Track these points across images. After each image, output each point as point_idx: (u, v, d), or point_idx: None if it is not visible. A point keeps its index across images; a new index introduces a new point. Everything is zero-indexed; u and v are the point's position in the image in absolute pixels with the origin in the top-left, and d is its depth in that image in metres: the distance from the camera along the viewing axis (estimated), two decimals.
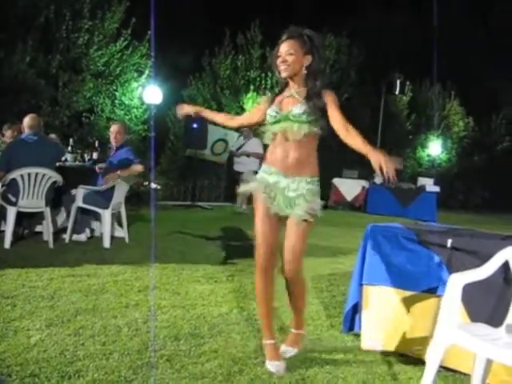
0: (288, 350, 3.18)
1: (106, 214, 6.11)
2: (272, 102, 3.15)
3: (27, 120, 5.98)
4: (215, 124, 14.42)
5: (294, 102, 3.06)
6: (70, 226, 6.18)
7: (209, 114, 3.52)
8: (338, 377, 2.93)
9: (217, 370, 2.87)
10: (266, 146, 3.23)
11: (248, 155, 11.15)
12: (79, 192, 6.09)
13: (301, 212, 2.98)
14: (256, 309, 4.00)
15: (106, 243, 6.08)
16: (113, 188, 6.14)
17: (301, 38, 3.03)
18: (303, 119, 3.00)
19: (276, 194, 3.05)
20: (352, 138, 2.93)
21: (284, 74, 3.06)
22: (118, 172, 6.12)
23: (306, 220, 2.99)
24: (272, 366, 2.95)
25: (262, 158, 7.63)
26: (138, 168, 6.29)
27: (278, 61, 3.06)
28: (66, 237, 6.16)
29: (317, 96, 3.03)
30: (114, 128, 6.53)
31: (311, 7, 20.72)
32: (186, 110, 3.49)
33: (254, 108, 3.32)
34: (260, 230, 3.06)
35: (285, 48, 3.03)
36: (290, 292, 3.16)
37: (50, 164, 5.93)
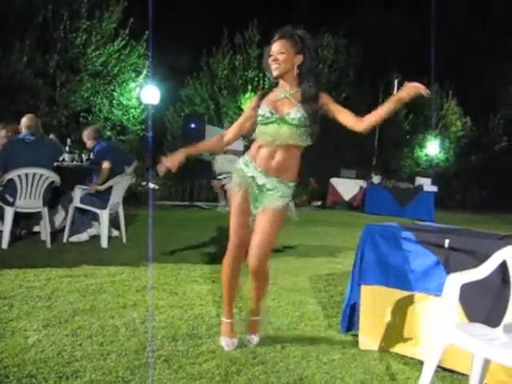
0: (252, 338, 3.31)
1: (104, 215, 6.11)
2: (261, 99, 3.15)
3: (25, 120, 5.98)
4: (213, 125, 14.41)
5: (290, 105, 3.06)
6: (67, 226, 6.17)
7: (196, 149, 3.38)
8: (336, 377, 2.92)
9: (214, 370, 2.87)
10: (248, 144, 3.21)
11: (225, 152, 10.10)
12: (77, 192, 6.09)
13: (271, 204, 3.05)
14: None
15: (104, 243, 6.08)
16: (110, 188, 6.13)
17: (292, 37, 3.04)
18: (299, 124, 3.01)
19: (252, 188, 3.11)
20: (364, 121, 3.00)
21: (275, 73, 3.07)
22: (94, 180, 6.25)
23: (275, 215, 3.05)
24: (225, 341, 3.21)
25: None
26: (104, 167, 6.23)
27: (270, 60, 3.08)
28: (64, 237, 6.15)
29: (313, 99, 3.04)
30: (84, 134, 6.68)
31: (309, 7, 20.73)
32: (173, 162, 3.19)
33: (242, 118, 3.27)
34: (233, 221, 3.19)
35: (276, 47, 3.05)
36: (252, 283, 3.26)
37: (48, 164, 5.92)
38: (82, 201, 6.09)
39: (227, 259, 3.25)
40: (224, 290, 3.31)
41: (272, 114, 3.05)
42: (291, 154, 3.08)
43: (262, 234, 3.06)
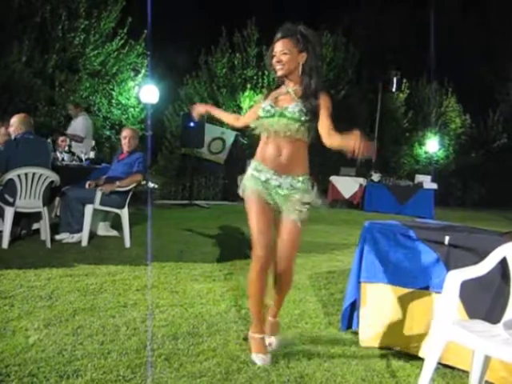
0: (271, 342, 3.23)
1: (124, 214, 6.24)
2: (267, 96, 3.18)
3: (22, 119, 5.95)
4: (213, 123, 14.39)
5: (289, 100, 3.08)
6: (85, 228, 6.06)
7: (219, 113, 3.60)
8: (337, 374, 2.93)
9: (215, 368, 2.87)
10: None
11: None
12: (97, 194, 6.06)
13: (295, 210, 3.03)
14: None
15: (127, 243, 6.21)
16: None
17: (294, 36, 3.03)
18: (297, 117, 3.01)
19: (268, 190, 3.08)
20: (331, 138, 2.95)
21: (280, 73, 3.09)
22: (117, 183, 6.14)
23: (299, 217, 3.04)
24: (261, 359, 2.99)
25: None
26: (136, 178, 6.32)
27: (274, 60, 3.08)
28: (84, 240, 6.06)
29: (313, 95, 3.05)
30: (127, 133, 6.49)
31: (308, 4, 20.73)
32: (199, 109, 3.54)
33: (254, 107, 3.31)
34: (256, 227, 3.05)
35: (279, 48, 3.05)
36: (278, 287, 3.21)
37: (48, 162, 5.94)
38: (102, 202, 6.10)
39: (253, 271, 3.04)
40: (252, 306, 3.16)
41: (272, 107, 3.08)
42: (297, 147, 3.08)
43: (289, 237, 3.05)
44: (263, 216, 3.06)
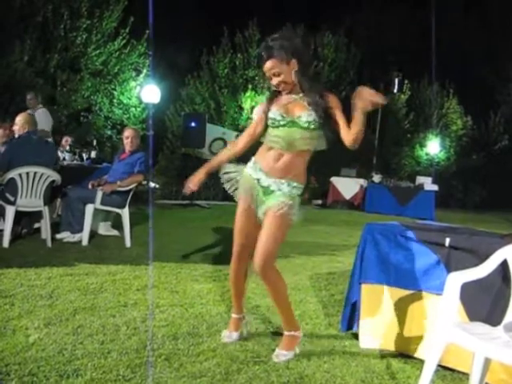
0: (279, 354, 3.09)
1: (125, 214, 6.25)
2: (270, 103, 3.13)
3: (27, 118, 5.96)
4: (214, 123, 14.42)
5: (301, 108, 3.04)
6: (86, 227, 6.07)
7: (214, 165, 3.32)
8: (337, 376, 2.93)
9: (215, 368, 2.87)
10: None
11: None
12: (98, 194, 6.07)
13: (274, 204, 3.02)
14: (255, 307, 4.05)
15: (128, 243, 6.21)
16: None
17: (277, 52, 2.96)
18: (310, 127, 3.01)
19: (257, 190, 3.10)
20: (349, 134, 2.98)
21: (285, 91, 3.08)
22: (118, 183, 6.15)
23: (279, 216, 3.00)
24: (223, 333, 3.34)
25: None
26: (138, 178, 6.34)
27: (272, 82, 3.07)
28: (84, 240, 6.06)
29: (320, 98, 3.03)
30: (129, 133, 6.48)
31: (309, 5, 20.74)
32: (194, 182, 3.25)
33: (252, 127, 3.24)
34: (238, 221, 3.18)
35: (270, 71, 3.02)
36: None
37: (52, 163, 5.94)
38: (103, 202, 6.10)
39: (233, 260, 3.27)
40: (231, 290, 3.38)
41: (283, 117, 3.03)
42: (299, 157, 3.07)
43: (267, 234, 3.02)
44: (247, 212, 3.14)
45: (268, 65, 3.01)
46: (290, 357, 3.09)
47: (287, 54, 2.97)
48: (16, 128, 5.97)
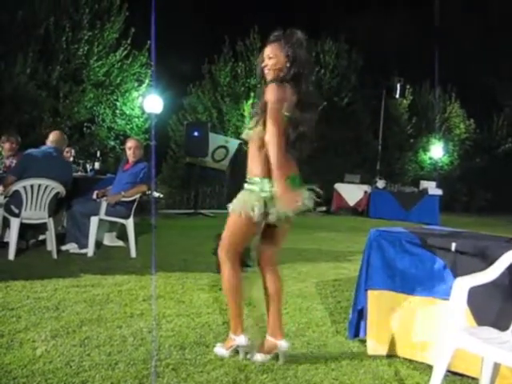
0: (252, 355, 3.15)
1: (130, 224, 6.26)
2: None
3: (53, 135, 6.15)
4: (216, 132, 14.47)
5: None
6: (91, 239, 6.06)
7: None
8: (345, 383, 2.91)
9: (223, 378, 2.86)
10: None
11: None
12: (102, 205, 6.08)
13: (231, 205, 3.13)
14: (261, 316, 4.02)
15: (133, 253, 6.21)
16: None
17: (279, 40, 3.02)
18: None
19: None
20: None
21: (268, 78, 3.06)
22: (122, 193, 6.16)
23: (231, 213, 3.12)
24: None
25: None
26: (142, 188, 6.36)
27: (262, 65, 3.09)
28: (90, 251, 6.05)
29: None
30: (132, 143, 6.51)
31: (310, 12, 20.79)
32: None
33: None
34: (242, 243, 3.26)
35: (266, 52, 3.08)
36: None
37: (64, 182, 5.89)
38: (107, 212, 6.11)
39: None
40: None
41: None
42: (253, 148, 3.10)
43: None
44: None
45: (268, 48, 3.07)
46: (223, 354, 3.14)
47: (287, 48, 2.99)
48: (47, 142, 6.13)
